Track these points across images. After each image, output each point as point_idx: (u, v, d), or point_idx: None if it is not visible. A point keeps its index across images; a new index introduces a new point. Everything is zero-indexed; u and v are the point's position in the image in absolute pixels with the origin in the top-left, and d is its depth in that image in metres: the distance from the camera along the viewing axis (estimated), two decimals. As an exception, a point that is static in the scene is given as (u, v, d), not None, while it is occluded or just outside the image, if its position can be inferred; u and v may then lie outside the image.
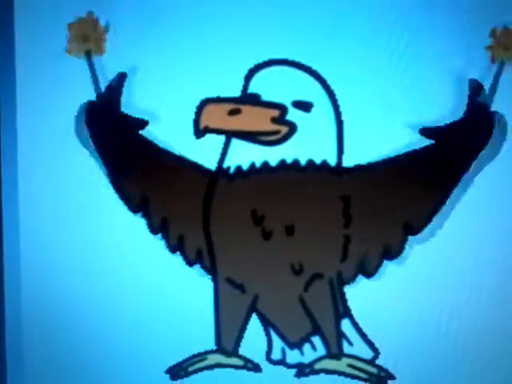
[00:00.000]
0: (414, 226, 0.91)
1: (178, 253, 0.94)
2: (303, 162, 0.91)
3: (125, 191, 0.94)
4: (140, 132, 0.93)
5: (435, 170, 0.90)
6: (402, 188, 0.91)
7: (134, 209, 0.95)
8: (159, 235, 0.94)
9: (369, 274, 0.92)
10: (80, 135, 0.94)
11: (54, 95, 0.94)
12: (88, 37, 0.92)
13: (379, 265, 0.92)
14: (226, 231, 0.93)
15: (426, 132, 0.89)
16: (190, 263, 0.94)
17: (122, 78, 0.93)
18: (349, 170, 0.91)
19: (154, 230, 0.94)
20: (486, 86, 0.89)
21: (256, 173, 0.92)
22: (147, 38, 0.92)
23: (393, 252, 0.91)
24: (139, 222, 0.94)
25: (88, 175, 0.95)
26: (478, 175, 0.89)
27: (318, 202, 0.91)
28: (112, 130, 0.94)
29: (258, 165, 0.92)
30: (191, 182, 0.93)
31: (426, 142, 0.90)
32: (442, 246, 0.91)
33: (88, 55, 0.92)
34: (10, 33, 0.94)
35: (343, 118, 0.91)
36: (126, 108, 0.93)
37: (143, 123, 0.93)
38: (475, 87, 0.89)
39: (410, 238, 0.91)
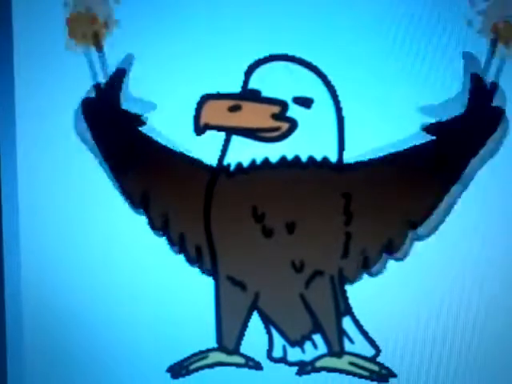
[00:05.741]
0: (414, 220, 0.90)
1: (179, 251, 0.94)
2: (304, 158, 0.91)
3: (125, 188, 0.94)
4: (139, 128, 0.93)
5: (436, 164, 0.89)
6: (403, 183, 0.90)
7: (136, 206, 0.94)
8: (160, 233, 0.94)
9: (370, 271, 0.91)
10: (79, 131, 0.94)
11: (53, 91, 0.94)
12: (86, 33, 0.92)
13: (380, 261, 0.91)
14: (226, 229, 0.93)
15: (427, 129, 0.89)
16: (191, 261, 0.94)
17: (121, 72, 0.92)
18: (350, 167, 0.90)
19: (155, 227, 0.94)
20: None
21: (256, 170, 0.91)
22: (145, 34, 0.92)
23: (393, 247, 0.91)
24: (139, 221, 0.94)
25: (89, 172, 0.94)
26: (480, 170, 0.89)
27: (319, 199, 0.91)
28: (111, 126, 0.93)
29: (258, 162, 0.91)
30: (191, 178, 0.92)
31: (429, 137, 0.89)
32: (444, 242, 0.90)
33: (87, 50, 0.92)
34: (7, 26, 0.94)
35: (344, 114, 0.90)
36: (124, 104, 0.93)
37: (141, 121, 0.92)
38: (477, 82, 0.88)
39: (413, 234, 0.91)
